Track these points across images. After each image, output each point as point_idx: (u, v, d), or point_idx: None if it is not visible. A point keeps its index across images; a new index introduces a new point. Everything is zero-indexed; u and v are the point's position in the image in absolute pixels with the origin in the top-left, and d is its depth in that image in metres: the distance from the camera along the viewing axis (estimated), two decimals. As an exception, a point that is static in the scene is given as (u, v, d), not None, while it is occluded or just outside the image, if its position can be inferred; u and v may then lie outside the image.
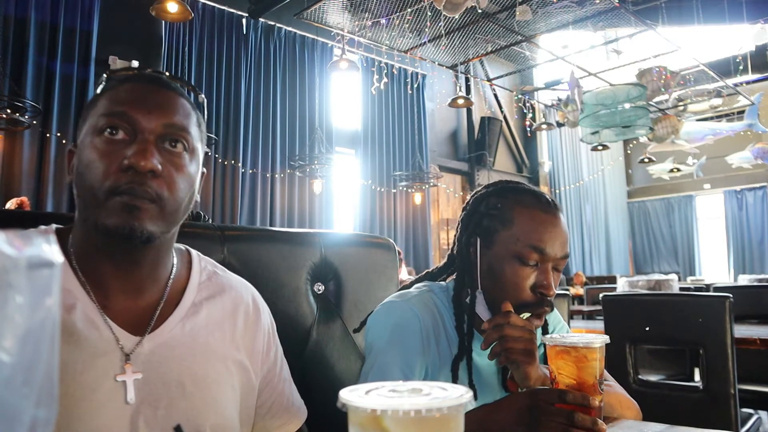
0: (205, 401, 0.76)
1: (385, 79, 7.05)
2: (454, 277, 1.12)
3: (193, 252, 0.88)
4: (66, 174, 0.79)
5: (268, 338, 0.88)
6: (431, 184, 7.85)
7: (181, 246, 0.87)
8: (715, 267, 12.13)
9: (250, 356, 0.84)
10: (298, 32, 7.02)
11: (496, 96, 9.61)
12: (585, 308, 4.97)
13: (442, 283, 1.15)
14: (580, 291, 7.06)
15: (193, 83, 6.13)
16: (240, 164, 6.37)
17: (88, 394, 0.68)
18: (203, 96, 0.84)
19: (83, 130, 0.75)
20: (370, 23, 6.06)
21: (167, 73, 0.82)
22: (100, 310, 0.72)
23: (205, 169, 0.84)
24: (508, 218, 1.01)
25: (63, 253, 0.73)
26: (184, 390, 0.74)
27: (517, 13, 5.43)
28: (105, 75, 0.81)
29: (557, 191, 10.51)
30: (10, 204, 4.04)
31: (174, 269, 0.82)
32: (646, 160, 8.93)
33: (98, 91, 0.78)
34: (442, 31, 6.24)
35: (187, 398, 0.74)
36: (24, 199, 4.20)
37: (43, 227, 0.78)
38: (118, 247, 0.73)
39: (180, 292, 0.81)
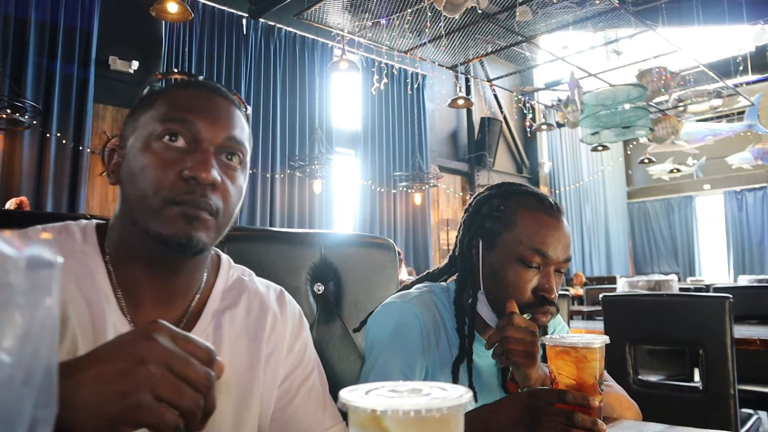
0: (225, 416, 0.75)
1: (385, 80, 7.05)
2: (454, 278, 1.12)
3: (224, 257, 0.85)
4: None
5: (293, 336, 0.85)
6: (431, 184, 7.84)
7: (212, 251, 0.83)
8: (715, 267, 12.13)
9: (271, 357, 0.81)
10: (298, 32, 7.02)
11: (496, 96, 9.61)
12: (585, 308, 4.97)
13: (443, 284, 1.15)
14: (580, 291, 7.06)
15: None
16: (240, 164, 6.36)
17: None
18: (250, 109, 0.82)
19: (134, 130, 0.72)
20: (370, 23, 6.06)
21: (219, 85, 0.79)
22: (130, 321, 0.71)
23: None
24: (511, 221, 1.01)
25: (100, 252, 0.72)
26: None
27: (517, 14, 5.43)
28: (156, 74, 0.79)
29: (557, 192, 10.51)
30: (10, 204, 4.04)
31: (204, 278, 0.79)
32: (646, 160, 8.93)
33: (145, 91, 0.76)
34: (442, 32, 6.24)
35: None
36: (23, 198, 4.20)
37: (83, 221, 0.76)
38: (165, 256, 0.71)
39: (205, 302, 0.78)
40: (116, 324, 0.70)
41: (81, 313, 0.68)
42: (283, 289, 0.88)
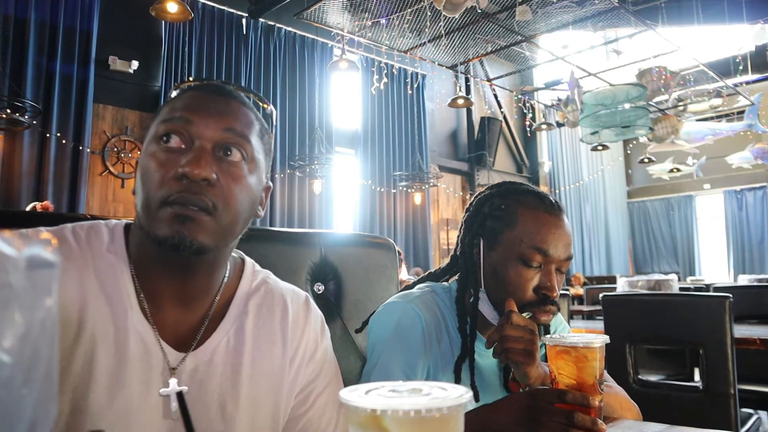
0: (243, 422, 0.74)
1: (384, 79, 7.05)
2: (456, 277, 1.12)
3: (248, 260, 0.84)
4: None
5: (315, 344, 0.83)
6: (431, 184, 7.85)
7: (235, 254, 0.83)
8: (715, 267, 12.13)
9: (293, 363, 0.80)
10: (298, 32, 7.02)
11: (496, 96, 9.61)
12: (585, 308, 4.97)
13: (445, 283, 1.15)
14: (580, 291, 7.07)
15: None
16: (240, 164, 6.36)
17: (132, 408, 0.68)
18: (271, 107, 0.79)
19: (145, 139, 0.74)
20: (370, 23, 6.05)
21: (233, 85, 0.78)
22: (151, 323, 0.71)
23: (270, 183, 0.80)
24: (512, 220, 1.01)
25: (126, 254, 0.73)
26: (223, 412, 0.73)
27: (517, 14, 5.43)
28: (175, 84, 0.79)
29: (557, 191, 10.51)
30: (32, 207, 4.01)
31: (225, 280, 0.78)
32: (646, 160, 8.93)
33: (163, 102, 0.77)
34: (442, 31, 6.23)
35: (226, 421, 0.73)
36: (47, 203, 4.17)
37: (112, 222, 0.77)
38: (169, 258, 0.70)
39: (227, 305, 0.78)
40: (137, 325, 0.70)
41: (102, 313, 0.68)
42: (308, 295, 0.87)
